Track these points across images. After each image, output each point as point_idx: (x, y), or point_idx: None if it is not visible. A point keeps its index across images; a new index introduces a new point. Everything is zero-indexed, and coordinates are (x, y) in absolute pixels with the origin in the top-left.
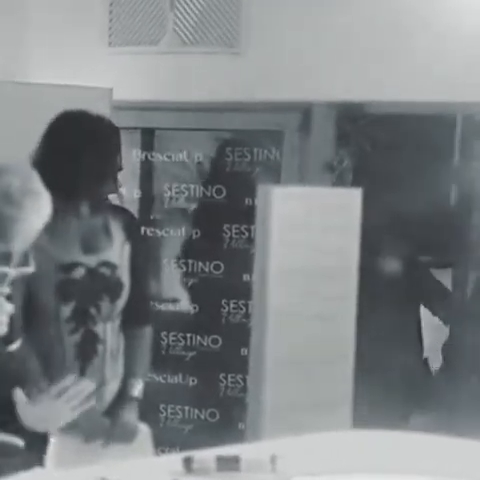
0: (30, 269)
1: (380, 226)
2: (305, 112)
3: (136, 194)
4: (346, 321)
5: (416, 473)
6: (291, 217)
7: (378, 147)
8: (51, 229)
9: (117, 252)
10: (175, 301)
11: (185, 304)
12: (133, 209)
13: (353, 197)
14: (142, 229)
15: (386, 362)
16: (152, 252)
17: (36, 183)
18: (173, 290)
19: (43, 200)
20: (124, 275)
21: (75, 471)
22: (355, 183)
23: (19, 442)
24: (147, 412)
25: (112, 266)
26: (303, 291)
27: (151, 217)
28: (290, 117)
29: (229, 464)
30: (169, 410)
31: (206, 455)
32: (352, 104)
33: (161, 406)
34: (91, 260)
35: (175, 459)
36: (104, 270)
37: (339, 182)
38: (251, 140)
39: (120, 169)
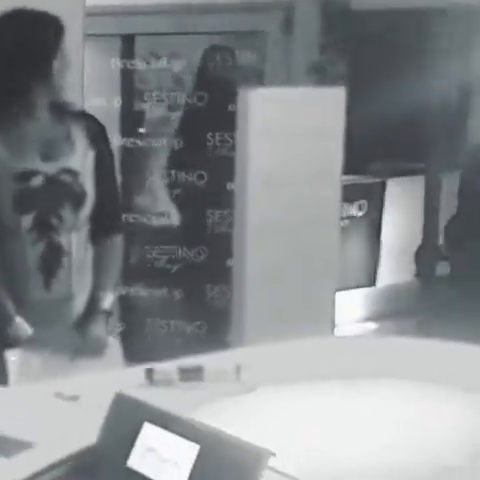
0: None
1: (367, 129)
2: (287, 10)
3: (116, 103)
4: (330, 227)
5: (393, 377)
6: (271, 120)
7: (367, 45)
8: (5, 136)
9: (79, 159)
10: (159, 214)
11: (170, 216)
12: (113, 119)
13: (337, 96)
14: (123, 140)
15: None
16: (134, 164)
17: None
18: (157, 203)
19: None
20: (87, 183)
21: (31, 387)
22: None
23: None
24: (133, 327)
25: (74, 173)
26: (286, 198)
27: (131, 127)
28: (272, 16)
29: (192, 374)
30: (156, 323)
31: (169, 366)
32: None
33: (147, 320)
34: (50, 167)
35: (137, 371)
36: (65, 177)
37: (327, 84)
38: (232, 43)
39: (62, 68)
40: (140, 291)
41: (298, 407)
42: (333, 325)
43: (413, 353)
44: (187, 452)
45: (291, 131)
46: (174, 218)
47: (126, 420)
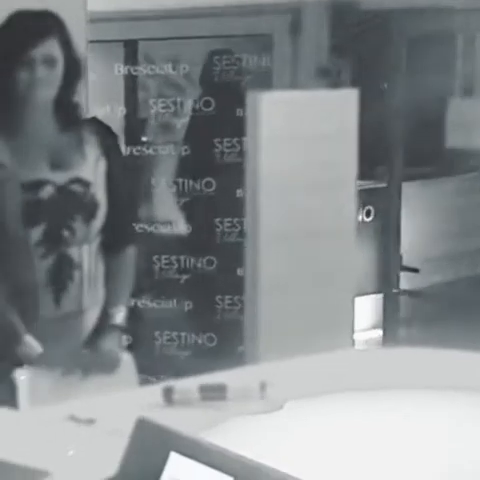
0: None
1: (371, 133)
2: (295, 12)
3: (120, 111)
4: (346, 233)
5: (416, 388)
6: (282, 124)
7: (375, 50)
8: (10, 144)
9: (90, 168)
10: (167, 223)
11: (178, 225)
12: (118, 127)
13: (349, 99)
14: (128, 148)
15: None
16: (140, 172)
17: None
18: (164, 211)
19: None
20: (99, 193)
21: (43, 409)
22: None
23: None
24: (141, 340)
25: (85, 183)
26: (299, 204)
27: (137, 135)
28: (279, 19)
29: (214, 393)
30: (164, 337)
31: (189, 384)
32: (344, 1)
33: (156, 333)
34: (60, 177)
35: (155, 390)
36: (76, 188)
37: (335, 87)
38: (239, 46)
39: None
40: (148, 303)
41: (331, 426)
42: (352, 332)
43: (440, 363)
44: None
45: (303, 135)
46: (182, 227)
47: (150, 449)
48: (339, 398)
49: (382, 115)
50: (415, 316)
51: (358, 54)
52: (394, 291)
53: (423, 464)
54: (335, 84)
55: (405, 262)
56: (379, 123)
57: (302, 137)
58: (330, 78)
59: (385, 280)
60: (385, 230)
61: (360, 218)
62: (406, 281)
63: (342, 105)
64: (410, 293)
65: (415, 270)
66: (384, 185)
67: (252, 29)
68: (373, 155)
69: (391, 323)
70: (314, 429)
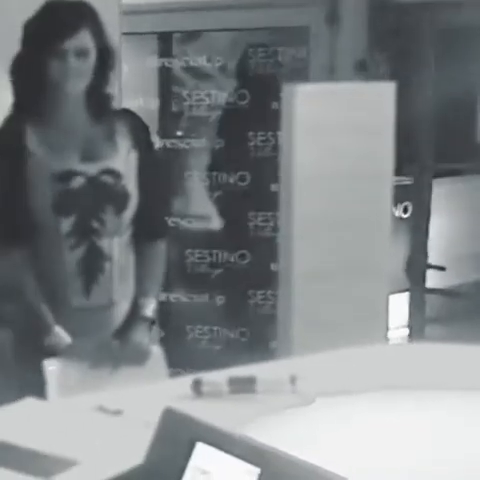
0: None
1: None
2: (332, 4)
3: (154, 104)
4: (381, 228)
5: (449, 387)
6: (318, 117)
7: (411, 43)
8: (42, 135)
9: (122, 159)
10: (200, 217)
11: (211, 219)
12: (152, 120)
13: (386, 91)
14: (162, 141)
15: None
16: (173, 165)
17: None
18: (197, 205)
19: None
20: (130, 185)
21: (72, 400)
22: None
23: None
24: (173, 334)
25: (116, 174)
26: (334, 199)
27: (171, 128)
28: (316, 11)
29: (243, 386)
30: (196, 331)
31: (218, 376)
32: None
33: (188, 327)
34: (91, 168)
35: (184, 382)
36: (107, 179)
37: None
38: (274, 39)
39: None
40: (180, 297)
41: (362, 421)
42: (387, 329)
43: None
44: (246, 476)
45: (339, 129)
46: (215, 221)
47: (176, 439)
48: (371, 395)
49: (415, 109)
50: (442, 315)
51: (396, 47)
52: (421, 289)
53: (455, 465)
54: (373, 77)
55: (433, 260)
56: (412, 117)
57: (338, 130)
58: (368, 71)
59: (411, 278)
60: (414, 227)
61: (397, 214)
62: (434, 279)
63: (379, 98)
64: (437, 292)
65: (442, 268)
66: (423, 181)
67: (288, 21)
68: (410, 151)
69: (417, 322)
70: (346, 425)
